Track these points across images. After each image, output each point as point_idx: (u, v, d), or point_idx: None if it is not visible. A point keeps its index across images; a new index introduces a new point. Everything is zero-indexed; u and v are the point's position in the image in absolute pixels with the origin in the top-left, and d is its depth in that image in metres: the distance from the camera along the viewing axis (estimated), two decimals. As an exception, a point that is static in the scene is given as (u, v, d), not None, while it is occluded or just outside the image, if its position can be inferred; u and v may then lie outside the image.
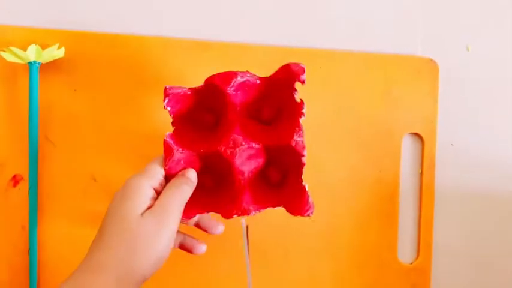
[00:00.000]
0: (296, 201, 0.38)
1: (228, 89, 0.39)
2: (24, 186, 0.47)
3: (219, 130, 0.40)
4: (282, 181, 0.41)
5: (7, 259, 0.47)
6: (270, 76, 0.40)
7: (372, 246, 0.50)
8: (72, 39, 0.48)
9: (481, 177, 0.52)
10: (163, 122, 0.48)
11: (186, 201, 0.37)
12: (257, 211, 0.38)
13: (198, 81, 0.49)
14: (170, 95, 0.39)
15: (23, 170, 0.47)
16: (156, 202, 0.35)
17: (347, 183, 0.50)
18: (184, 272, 0.48)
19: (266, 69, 0.49)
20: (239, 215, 0.38)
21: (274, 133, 0.40)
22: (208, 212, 0.39)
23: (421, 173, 0.51)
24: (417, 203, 0.51)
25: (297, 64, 0.39)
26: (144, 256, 0.33)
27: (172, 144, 0.38)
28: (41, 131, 0.47)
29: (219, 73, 0.40)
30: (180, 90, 0.39)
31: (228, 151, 0.38)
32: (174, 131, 0.39)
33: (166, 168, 0.38)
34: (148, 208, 0.34)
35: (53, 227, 0.47)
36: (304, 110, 0.38)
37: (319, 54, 0.51)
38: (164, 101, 0.39)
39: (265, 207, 0.39)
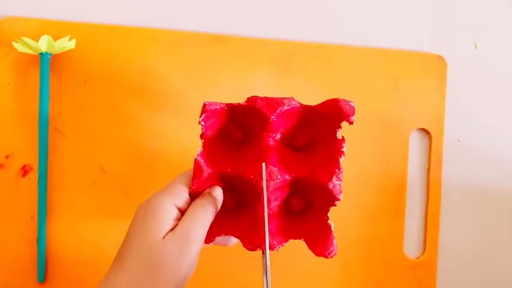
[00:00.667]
0: (320, 240, 0.37)
1: (272, 117, 0.37)
2: (33, 176, 0.48)
3: (248, 150, 0.39)
4: (304, 210, 0.39)
5: (16, 249, 0.47)
6: (315, 106, 0.38)
7: (378, 241, 0.51)
8: (83, 31, 0.48)
9: (488, 173, 0.52)
10: (172, 114, 0.49)
11: (211, 222, 0.35)
12: (281, 246, 0.37)
13: (210, 75, 0.49)
14: (208, 112, 0.37)
15: (33, 161, 0.48)
16: (179, 223, 0.33)
17: (354, 178, 0.51)
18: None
19: (276, 63, 0.50)
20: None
21: (306, 163, 0.38)
22: (228, 235, 0.38)
23: (428, 169, 0.52)
24: (424, 199, 0.52)
25: (347, 102, 0.37)
26: (164, 281, 0.31)
27: (203, 164, 0.36)
28: (51, 122, 0.48)
29: (264, 98, 0.38)
30: (218, 107, 0.37)
31: (261, 182, 0.36)
32: (203, 147, 0.37)
33: (193, 188, 0.36)
34: (172, 229, 0.33)
35: (62, 217, 0.48)
36: (344, 149, 0.37)
37: (329, 49, 0.51)
38: (200, 117, 0.37)
39: (287, 240, 0.38)
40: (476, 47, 0.53)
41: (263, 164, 0.36)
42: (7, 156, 0.47)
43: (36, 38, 0.46)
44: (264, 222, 0.36)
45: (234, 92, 0.49)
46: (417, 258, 0.51)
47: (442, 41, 0.53)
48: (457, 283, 0.52)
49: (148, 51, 0.49)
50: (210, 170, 0.36)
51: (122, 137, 0.48)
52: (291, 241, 0.38)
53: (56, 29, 0.48)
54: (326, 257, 0.37)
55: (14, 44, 0.46)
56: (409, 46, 0.52)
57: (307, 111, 0.38)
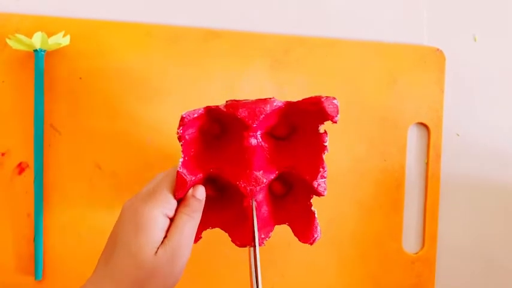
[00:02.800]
0: (304, 226, 0.38)
1: (254, 124, 0.36)
2: (29, 174, 0.47)
3: (229, 146, 0.38)
4: (286, 193, 0.40)
5: (13, 246, 0.47)
6: (297, 102, 0.37)
7: (376, 236, 0.50)
8: (78, 27, 0.48)
9: (487, 167, 0.52)
10: (168, 109, 0.48)
11: (197, 226, 0.36)
12: (268, 238, 0.38)
13: (206, 70, 0.49)
14: (186, 124, 0.36)
15: (29, 158, 0.47)
16: (169, 236, 0.33)
17: (352, 172, 0.50)
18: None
19: (272, 57, 0.49)
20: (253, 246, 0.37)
21: (289, 153, 0.38)
22: (215, 227, 0.38)
23: (427, 163, 0.51)
24: (422, 193, 0.51)
25: (330, 101, 0.36)
26: None
27: (186, 175, 0.36)
28: (46, 119, 0.47)
29: (245, 104, 0.36)
30: (195, 115, 0.36)
31: (249, 188, 0.36)
32: (183, 153, 0.37)
33: (177, 196, 0.35)
34: (162, 242, 0.33)
35: (58, 214, 0.48)
36: (327, 143, 0.37)
37: (325, 43, 0.50)
38: (179, 129, 0.36)
39: (273, 226, 0.38)
40: (475, 40, 0.53)
41: (252, 201, 0.37)
42: (3, 154, 0.47)
43: (30, 35, 0.46)
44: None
45: (230, 86, 0.49)
46: (416, 253, 0.51)
47: (440, 34, 0.52)
48: (456, 278, 0.52)
49: (144, 46, 0.48)
50: (193, 178, 0.36)
51: (118, 134, 0.48)
52: (287, 238, 0.38)
53: (50, 25, 0.47)
54: (311, 243, 0.37)
55: (8, 40, 0.45)
56: (407, 39, 0.52)
57: (289, 106, 0.38)
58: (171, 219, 0.35)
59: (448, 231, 0.52)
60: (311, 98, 0.37)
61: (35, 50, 0.46)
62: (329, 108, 0.36)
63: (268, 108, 0.36)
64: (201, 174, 0.37)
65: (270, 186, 0.39)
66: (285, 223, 0.39)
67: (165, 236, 0.33)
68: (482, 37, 0.53)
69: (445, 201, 0.51)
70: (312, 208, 0.38)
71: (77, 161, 0.48)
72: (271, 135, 0.39)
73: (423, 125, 0.51)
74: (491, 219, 0.52)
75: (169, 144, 0.48)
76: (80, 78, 0.48)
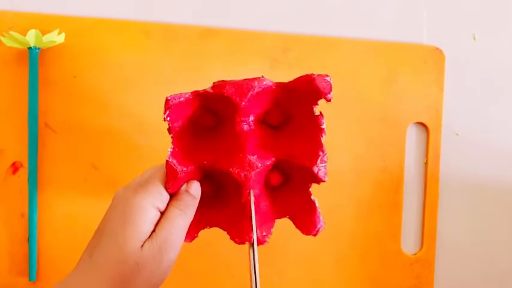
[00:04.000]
0: (305, 217, 0.36)
1: (243, 102, 0.35)
2: (23, 173, 0.47)
3: (223, 137, 0.37)
4: (283, 184, 0.38)
5: (6, 247, 0.47)
6: (289, 83, 0.36)
7: (375, 236, 0.50)
8: (72, 24, 0.47)
9: (486, 167, 0.52)
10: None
11: (189, 223, 0.34)
12: (269, 235, 0.36)
13: (203, 69, 0.49)
14: (172, 107, 0.34)
15: (23, 157, 0.47)
16: (157, 231, 0.32)
17: (351, 172, 0.50)
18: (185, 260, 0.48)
19: (271, 56, 0.49)
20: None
21: (285, 141, 0.37)
22: (212, 227, 0.37)
23: (426, 163, 0.51)
24: (421, 193, 0.51)
25: (323, 78, 0.35)
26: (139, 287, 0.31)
27: (176, 165, 0.34)
28: (40, 118, 0.47)
29: (232, 82, 0.35)
30: (182, 98, 0.35)
31: (243, 174, 0.34)
32: (173, 144, 0.35)
33: (169, 190, 0.34)
34: (150, 236, 0.32)
35: (53, 214, 0.47)
36: (324, 126, 0.35)
37: (325, 41, 0.50)
38: (165, 113, 0.34)
39: (273, 221, 0.37)
40: (475, 39, 0.52)
41: (251, 191, 0.35)
42: (-4, 153, 0.47)
43: (24, 32, 0.45)
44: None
45: (228, 86, 0.48)
46: (415, 254, 0.51)
47: (440, 33, 0.52)
48: (455, 279, 0.51)
49: (140, 45, 0.48)
50: (185, 169, 0.34)
51: (114, 133, 0.48)
52: (285, 238, 0.37)
53: (45, 23, 0.47)
54: (314, 234, 0.36)
55: (2, 38, 0.45)
56: (406, 38, 0.51)
57: (281, 88, 0.36)
58: (162, 213, 0.33)
59: (447, 231, 0.51)
60: (302, 76, 0.35)
61: (29, 48, 0.45)
62: (321, 85, 0.34)
63: (256, 85, 0.35)
64: (193, 166, 0.35)
65: (266, 179, 0.37)
66: (285, 216, 0.37)
67: (154, 230, 0.32)
68: (482, 36, 0.52)
69: (444, 201, 0.51)
70: (312, 197, 0.36)
71: (72, 160, 0.47)
72: (265, 123, 0.37)
73: (422, 124, 0.51)
74: (491, 219, 0.52)
75: (165, 144, 0.47)
76: (75, 76, 0.47)
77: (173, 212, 0.33)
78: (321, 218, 0.36)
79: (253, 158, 0.35)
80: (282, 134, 0.37)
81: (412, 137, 0.51)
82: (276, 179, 0.38)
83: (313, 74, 0.35)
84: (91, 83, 0.48)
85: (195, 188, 0.35)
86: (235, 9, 0.50)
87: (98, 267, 0.31)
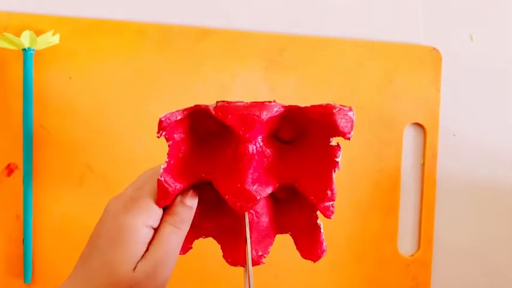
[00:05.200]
0: (307, 241, 0.34)
1: (247, 135, 0.31)
2: (18, 175, 0.47)
3: (225, 149, 0.33)
4: (291, 198, 0.35)
5: (2, 249, 0.46)
6: (304, 108, 0.31)
7: (372, 237, 0.50)
8: (67, 25, 0.47)
9: (484, 168, 0.52)
10: (159, 110, 0.48)
11: (184, 238, 0.32)
12: (266, 254, 0.34)
13: (196, 70, 0.48)
14: (167, 128, 0.31)
15: (18, 159, 0.46)
16: (150, 250, 0.30)
17: (347, 173, 0.50)
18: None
19: (266, 57, 0.49)
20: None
21: (295, 161, 0.33)
22: (208, 237, 0.34)
23: (423, 164, 0.51)
24: (418, 194, 0.51)
25: (344, 113, 0.30)
26: None
27: (169, 184, 0.31)
28: (35, 119, 0.47)
29: (237, 110, 0.30)
30: (178, 117, 0.31)
31: (239, 205, 0.31)
32: (168, 157, 0.32)
33: (160, 206, 0.31)
34: (143, 256, 0.30)
35: (48, 216, 0.47)
36: (339, 159, 0.31)
37: (321, 41, 0.50)
38: (159, 133, 0.31)
39: (272, 241, 0.34)
40: (471, 39, 0.52)
41: (245, 214, 0.32)
42: (-9, 155, 0.47)
43: (18, 33, 0.45)
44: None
45: (223, 86, 0.48)
46: (411, 255, 0.50)
47: (436, 33, 0.51)
48: (452, 280, 0.51)
49: (135, 45, 0.48)
50: (178, 186, 0.31)
51: (109, 134, 0.47)
52: (281, 238, 0.35)
53: (39, 24, 0.47)
54: (314, 260, 0.33)
55: (-4, 39, 0.45)
56: (403, 38, 0.51)
57: (293, 112, 0.32)
58: (156, 229, 0.31)
59: (444, 233, 0.51)
60: (320, 106, 0.31)
61: (24, 49, 0.45)
62: (341, 123, 0.30)
63: (264, 116, 0.30)
64: (187, 182, 0.32)
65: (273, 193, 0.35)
66: (287, 232, 0.34)
67: (147, 249, 0.30)
68: (479, 36, 0.52)
69: (441, 202, 0.51)
70: (318, 221, 0.33)
71: (68, 162, 0.47)
72: (275, 137, 0.33)
73: (419, 125, 0.51)
74: (488, 220, 0.52)
75: (161, 144, 0.47)
76: (70, 77, 0.47)
77: (167, 229, 0.31)
78: (324, 245, 0.33)
79: (252, 189, 0.31)
80: (293, 151, 0.33)
81: (409, 138, 0.51)
82: (282, 194, 0.35)
83: (334, 107, 0.30)
84: (87, 84, 0.47)
85: (190, 199, 0.32)
86: (231, 10, 0.50)
87: (89, 280, 0.30)
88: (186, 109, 0.32)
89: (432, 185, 0.50)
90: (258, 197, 0.31)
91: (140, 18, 0.49)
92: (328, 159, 0.31)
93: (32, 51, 0.45)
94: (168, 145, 0.32)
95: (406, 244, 0.51)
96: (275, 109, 0.31)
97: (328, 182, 0.31)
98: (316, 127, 0.32)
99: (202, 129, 0.33)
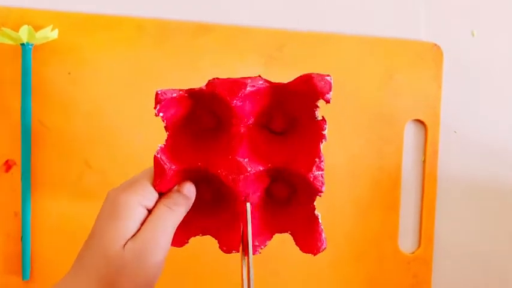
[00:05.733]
0: (306, 234, 0.34)
1: (234, 101, 0.33)
2: (16, 171, 0.46)
3: (221, 139, 0.34)
4: (289, 197, 0.36)
5: (0, 246, 0.46)
6: (287, 84, 0.34)
7: (372, 235, 0.49)
8: (66, 20, 0.47)
9: (485, 165, 0.51)
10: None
11: (178, 224, 0.32)
12: (263, 246, 0.34)
13: (194, 65, 0.48)
14: (162, 101, 0.32)
15: (16, 155, 0.46)
16: (141, 230, 0.30)
17: (348, 171, 0.49)
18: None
19: (265, 53, 0.48)
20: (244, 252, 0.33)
21: (285, 148, 0.34)
22: (205, 235, 0.34)
23: (424, 161, 0.50)
24: (419, 192, 0.51)
25: (322, 77, 0.32)
26: None
27: (165, 161, 0.32)
28: (34, 115, 0.46)
29: (224, 80, 0.33)
30: (174, 94, 0.33)
31: (230, 177, 0.32)
32: (167, 141, 0.33)
33: (157, 188, 0.32)
34: (134, 235, 0.30)
35: (46, 213, 0.46)
36: (325, 132, 0.33)
37: (321, 37, 0.49)
38: (155, 108, 0.32)
39: (271, 236, 0.35)
40: (473, 35, 0.52)
41: (247, 204, 0.33)
42: (-11, 151, 0.46)
43: (16, 28, 0.44)
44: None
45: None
46: (412, 253, 0.50)
47: (438, 29, 0.51)
48: (452, 278, 0.51)
49: (133, 41, 0.47)
50: (174, 167, 0.32)
51: (107, 130, 0.47)
52: (281, 236, 0.36)
53: (38, 19, 0.46)
54: (314, 253, 0.34)
55: (-6, 34, 0.44)
56: (404, 34, 0.51)
57: (278, 90, 0.34)
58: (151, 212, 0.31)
59: (445, 230, 0.51)
60: (301, 76, 0.33)
61: (22, 44, 0.45)
62: (319, 84, 0.32)
63: (248, 83, 0.32)
64: (184, 166, 0.33)
65: (269, 190, 0.35)
66: (286, 231, 0.35)
67: (139, 230, 0.30)
68: (481, 32, 0.52)
69: (442, 200, 0.51)
70: (316, 212, 0.34)
71: (66, 158, 0.47)
72: (267, 128, 0.35)
73: (420, 122, 0.50)
74: (489, 218, 0.51)
75: (160, 141, 0.47)
76: (69, 73, 0.47)
77: (160, 209, 0.31)
78: (323, 236, 0.34)
79: (243, 161, 0.32)
80: (285, 141, 0.35)
81: (409, 135, 0.50)
82: (280, 191, 0.35)
83: (312, 74, 0.33)
84: (85, 79, 0.47)
85: (188, 189, 0.33)
86: (230, 5, 0.49)
87: (86, 268, 0.30)
88: (181, 89, 0.33)
89: (433, 182, 0.50)
90: (249, 169, 0.32)
91: (139, 14, 0.48)
92: (316, 133, 0.33)
93: (30, 46, 0.45)
94: (165, 126, 0.34)
95: (406, 242, 0.50)
96: (260, 82, 0.33)
97: (316, 152, 0.33)
98: (300, 102, 0.33)
99: (201, 127, 0.35)
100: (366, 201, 0.49)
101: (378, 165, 0.49)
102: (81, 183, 0.47)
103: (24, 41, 0.45)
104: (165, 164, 0.32)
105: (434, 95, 0.50)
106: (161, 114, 0.33)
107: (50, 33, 0.46)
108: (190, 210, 0.33)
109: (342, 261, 0.49)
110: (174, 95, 0.33)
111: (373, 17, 0.51)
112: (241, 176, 0.32)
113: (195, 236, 0.35)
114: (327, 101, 0.32)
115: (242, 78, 0.33)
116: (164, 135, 0.34)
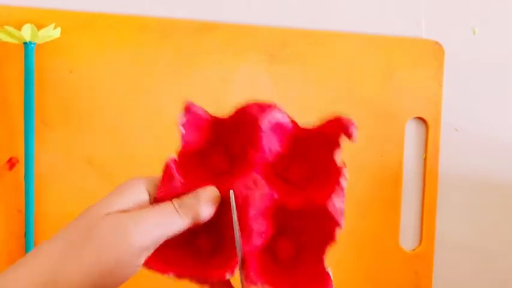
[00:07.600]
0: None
1: (264, 122, 0.30)
2: (20, 169, 0.46)
3: (231, 179, 0.31)
4: (295, 257, 0.31)
5: (3, 243, 0.46)
6: (313, 129, 0.32)
7: (373, 232, 0.50)
8: (68, 19, 0.47)
9: (486, 163, 0.51)
10: (160, 104, 0.48)
11: (172, 233, 0.28)
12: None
13: (197, 64, 0.48)
14: (191, 115, 0.31)
15: (19, 153, 0.46)
16: (131, 213, 0.27)
17: (349, 168, 0.49)
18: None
19: (268, 51, 0.48)
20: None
21: (301, 194, 0.32)
22: (191, 277, 0.29)
23: (425, 159, 0.50)
24: (420, 189, 0.51)
25: (347, 118, 0.31)
26: (86, 263, 0.26)
27: (175, 172, 0.30)
28: (36, 114, 0.46)
29: (256, 102, 0.31)
30: (201, 112, 0.31)
31: (244, 192, 0.29)
32: (179, 159, 0.31)
33: (160, 194, 0.29)
34: (121, 211, 0.27)
35: (50, 210, 0.47)
36: (345, 172, 0.31)
37: (322, 35, 0.49)
38: (182, 120, 0.31)
39: None
40: (474, 33, 0.52)
41: (231, 191, 0.29)
42: (-8, 149, 0.47)
43: (19, 27, 0.44)
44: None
45: (225, 81, 0.48)
46: (413, 250, 0.50)
47: (439, 27, 0.51)
48: (453, 275, 0.51)
49: (136, 39, 0.47)
50: (183, 180, 0.30)
51: (110, 128, 0.47)
52: None
53: (40, 18, 0.46)
54: None
55: (-4, 33, 0.45)
56: (405, 32, 0.51)
57: (302, 132, 0.32)
58: (151, 203, 0.29)
59: (446, 228, 0.51)
60: (328, 120, 0.32)
61: (25, 43, 0.45)
62: (344, 120, 0.31)
63: (276, 112, 0.31)
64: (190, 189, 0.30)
65: (273, 247, 0.31)
66: None
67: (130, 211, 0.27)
68: (482, 30, 0.52)
69: (443, 197, 0.51)
70: (326, 266, 0.30)
71: (69, 156, 0.47)
72: (282, 178, 0.32)
73: (421, 119, 0.51)
74: (490, 215, 0.52)
75: (161, 138, 0.47)
76: (71, 71, 0.47)
77: (164, 208, 0.28)
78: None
79: (259, 177, 0.30)
80: (299, 189, 0.32)
81: (411, 133, 0.51)
82: (286, 249, 0.31)
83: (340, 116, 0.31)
84: (88, 78, 0.47)
85: (208, 194, 0.29)
86: (232, 3, 0.49)
87: (62, 232, 0.28)
88: (208, 113, 0.32)
89: (434, 179, 0.50)
90: (265, 187, 0.30)
91: (141, 12, 0.48)
92: (335, 172, 0.31)
93: (33, 45, 0.45)
94: (182, 136, 0.31)
95: (407, 239, 0.51)
96: (281, 114, 0.31)
97: (335, 182, 0.31)
98: (321, 144, 0.32)
99: (211, 167, 0.32)
100: (367, 198, 0.50)
101: (379, 162, 0.50)
102: (84, 180, 0.47)
103: (27, 39, 0.45)
104: (175, 174, 0.30)
105: (435, 93, 0.50)
106: (183, 130, 0.31)
107: (52, 32, 0.46)
108: (186, 249, 0.30)
109: (343, 258, 0.50)
110: (201, 113, 0.31)
111: (375, 15, 0.51)
112: (258, 193, 0.30)
113: (169, 273, 0.28)
114: (350, 137, 0.31)
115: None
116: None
